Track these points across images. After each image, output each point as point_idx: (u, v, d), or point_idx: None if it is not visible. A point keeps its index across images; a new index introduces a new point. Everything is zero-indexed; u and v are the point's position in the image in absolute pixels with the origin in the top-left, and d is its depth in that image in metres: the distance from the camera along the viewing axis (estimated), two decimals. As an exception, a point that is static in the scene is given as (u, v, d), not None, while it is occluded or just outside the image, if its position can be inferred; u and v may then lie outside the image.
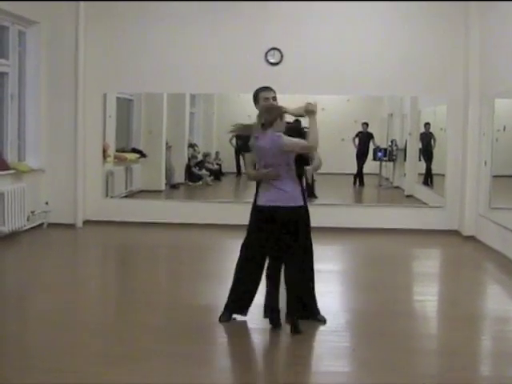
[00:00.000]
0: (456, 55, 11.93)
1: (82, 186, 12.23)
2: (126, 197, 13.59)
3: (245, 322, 6.46)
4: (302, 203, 6.24)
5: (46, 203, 11.99)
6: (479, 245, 11.05)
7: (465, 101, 11.82)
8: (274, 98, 6.54)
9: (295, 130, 6.53)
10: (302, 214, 6.27)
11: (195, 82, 12.29)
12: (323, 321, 6.49)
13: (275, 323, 6.20)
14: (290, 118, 6.60)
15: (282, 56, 12.15)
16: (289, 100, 13.21)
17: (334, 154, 14.56)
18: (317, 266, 9.60)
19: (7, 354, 5.77)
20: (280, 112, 6.22)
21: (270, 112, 6.23)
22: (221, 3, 12.06)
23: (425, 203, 13.28)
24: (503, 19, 10.43)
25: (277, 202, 6.09)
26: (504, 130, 10.94)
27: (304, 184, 6.55)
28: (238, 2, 12.07)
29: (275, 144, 6.06)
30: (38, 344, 5.98)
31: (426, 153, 13.90)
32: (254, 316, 6.56)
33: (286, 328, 6.23)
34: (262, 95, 6.53)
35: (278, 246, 6.23)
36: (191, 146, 15.18)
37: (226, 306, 6.44)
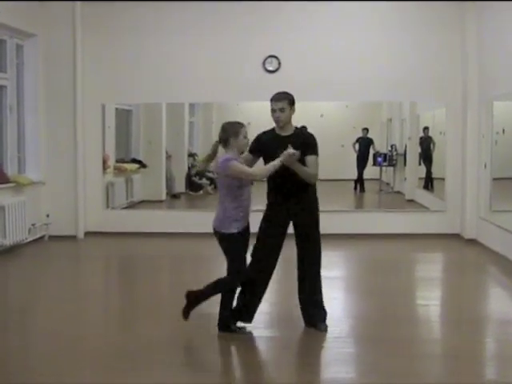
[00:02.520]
0: (454, 59, 11.95)
1: (83, 197, 12.24)
2: (126, 208, 13.58)
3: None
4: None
5: (47, 215, 11.99)
6: (481, 248, 11.04)
7: (463, 104, 11.83)
8: (282, 110, 6.41)
9: (304, 137, 6.52)
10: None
11: (194, 92, 12.30)
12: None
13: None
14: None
15: (279, 63, 12.17)
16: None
17: (333, 160, 14.56)
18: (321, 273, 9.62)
19: (9, 368, 5.75)
20: (235, 130, 6.14)
21: (223, 130, 6.19)
22: (218, 12, 12.10)
23: (426, 207, 13.27)
24: (500, 22, 10.44)
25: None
26: (503, 132, 10.94)
27: None
28: (234, 9, 12.10)
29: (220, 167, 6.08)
30: (40, 357, 5.96)
31: (426, 157, 13.89)
32: (258, 324, 6.56)
33: (291, 336, 6.23)
34: (271, 106, 6.47)
35: None
36: (191, 155, 15.16)
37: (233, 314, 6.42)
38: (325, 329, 6.47)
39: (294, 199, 6.42)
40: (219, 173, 6.12)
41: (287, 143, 6.14)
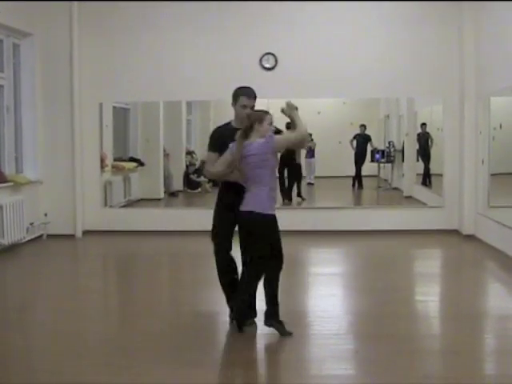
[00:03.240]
0: (450, 55, 11.95)
1: (81, 196, 12.24)
2: (124, 206, 13.57)
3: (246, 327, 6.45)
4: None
5: (45, 214, 11.99)
6: (479, 243, 11.06)
7: (460, 100, 11.84)
8: (253, 107, 6.33)
9: None
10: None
11: (191, 89, 12.30)
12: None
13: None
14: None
15: (276, 61, 12.17)
16: (284, 104, 13.29)
17: (331, 157, 14.61)
18: (318, 270, 9.66)
19: (9, 365, 5.75)
20: (259, 116, 6.16)
21: (248, 117, 6.18)
22: (215, 10, 12.10)
23: (424, 203, 13.29)
24: (497, 19, 10.45)
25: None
26: (500, 127, 10.94)
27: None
28: (230, 7, 12.11)
29: (263, 148, 6.06)
30: (40, 355, 5.96)
31: (424, 153, 13.89)
32: (258, 321, 6.56)
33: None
34: (242, 101, 6.35)
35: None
36: (189, 153, 15.17)
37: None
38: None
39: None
40: (264, 153, 6.05)
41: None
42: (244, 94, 6.37)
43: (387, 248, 11.13)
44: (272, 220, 6.14)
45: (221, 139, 6.35)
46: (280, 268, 6.25)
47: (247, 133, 6.10)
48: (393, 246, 11.23)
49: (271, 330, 6.26)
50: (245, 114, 6.24)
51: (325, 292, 8.17)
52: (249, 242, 6.17)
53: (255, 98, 6.40)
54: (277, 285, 6.25)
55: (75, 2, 11.96)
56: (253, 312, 6.43)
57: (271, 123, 6.19)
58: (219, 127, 6.56)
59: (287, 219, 12.06)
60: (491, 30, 10.76)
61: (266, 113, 6.22)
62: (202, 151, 15.87)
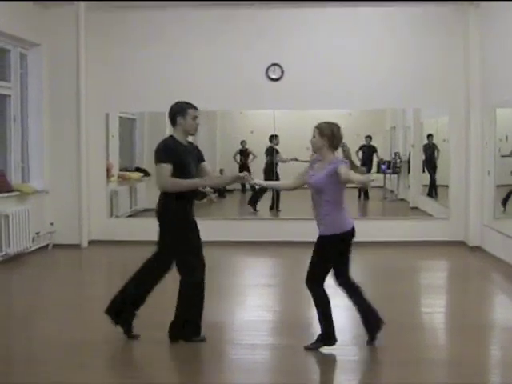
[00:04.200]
0: (456, 66, 11.96)
1: (87, 206, 12.26)
2: (130, 216, 13.58)
3: (250, 339, 6.44)
4: None
5: (51, 224, 12.02)
6: (485, 255, 11.03)
7: (466, 111, 11.84)
8: (195, 118, 6.45)
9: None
10: None
11: (197, 100, 12.01)
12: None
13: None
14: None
15: (282, 72, 12.20)
16: (290, 115, 13.38)
17: (336, 168, 14.55)
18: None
19: (13, 375, 5.75)
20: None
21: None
22: (222, 21, 12.15)
23: (430, 215, 13.27)
24: (503, 30, 10.46)
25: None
26: (506, 139, 10.94)
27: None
28: (236, 18, 12.16)
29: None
30: (44, 364, 5.96)
31: (430, 164, 13.88)
32: (261, 332, 6.56)
33: (294, 344, 6.22)
34: (192, 113, 6.44)
35: None
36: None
37: None
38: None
39: None
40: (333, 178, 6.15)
41: (192, 151, 6.46)
42: (191, 107, 6.50)
43: (393, 259, 11.11)
44: None
45: (173, 152, 6.40)
46: None
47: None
48: (399, 258, 11.21)
49: (275, 341, 6.25)
50: (195, 127, 6.46)
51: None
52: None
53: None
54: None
55: (82, 13, 12.00)
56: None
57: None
58: (166, 141, 6.60)
59: (293, 230, 12.17)
60: (497, 42, 10.77)
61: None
62: (207, 161, 15.89)
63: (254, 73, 12.19)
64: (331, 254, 6.22)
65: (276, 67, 12.22)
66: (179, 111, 6.47)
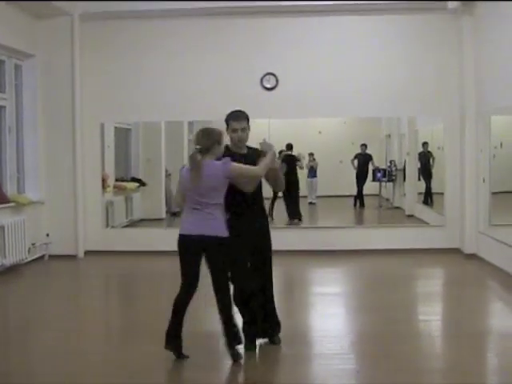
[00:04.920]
0: (451, 74, 11.99)
1: (83, 216, 12.25)
2: (126, 226, 13.58)
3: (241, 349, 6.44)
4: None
5: (47, 235, 12.00)
6: (481, 262, 11.04)
7: (461, 119, 11.87)
8: (244, 130, 6.31)
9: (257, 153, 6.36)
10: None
11: (192, 110, 12.32)
12: None
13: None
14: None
15: (277, 81, 12.22)
16: (285, 124, 13.37)
17: (332, 176, 14.62)
18: (319, 289, 9.65)
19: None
20: (218, 138, 6.09)
21: (208, 136, 6.09)
22: (216, 31, 12.18)
23: (426, 222, 13.28)
24: (497, 38, 10.49)
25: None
26: (501, 146, 10.96)
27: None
28: (232, 27, 12.19)
29: (219, 171, 5.95)
30: (42, 375, 5.95)
31: (425, 172, 13.90)
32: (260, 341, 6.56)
33: (292, 353, 6.21)
34: (231, 125, 6.34)
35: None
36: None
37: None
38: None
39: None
40: (216, 176, 5.94)
41: (248, 162, 6.18)
42: (232, 119, 6.36)
43: (389, 267, 11.12)
44: None
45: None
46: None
47: (206, 152, 6.02)
48: (394, 266, 11.22)
49: (273, 349, 6.25)
50: (237, 138, 6.31)
51: (326, 312, 8.16)
52: None
53: (246, 119, 6.37)
54: None
55: (77, 24, 12.03)
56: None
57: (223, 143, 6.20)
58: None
59: (289, 239, 12.17)
60: (491, 50, 10.80)
61: (222, 133, 6.19)
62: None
63: (249, 82, 12.21)
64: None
65: (271, 76, 12.24)
66: (225, 122, 6.46)
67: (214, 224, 5.98)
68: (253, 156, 6.28)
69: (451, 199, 12.16)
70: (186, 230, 6.03)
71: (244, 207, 6.27)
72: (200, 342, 6.61)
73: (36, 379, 5.88)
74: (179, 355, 6.07)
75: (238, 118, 6.34)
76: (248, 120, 6.37)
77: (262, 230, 6.44)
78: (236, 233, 6.11)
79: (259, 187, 6.34)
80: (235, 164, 5.99)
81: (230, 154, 6.23)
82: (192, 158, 5.97)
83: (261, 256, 6.38)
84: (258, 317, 6.35)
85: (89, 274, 11.26)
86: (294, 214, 13.80)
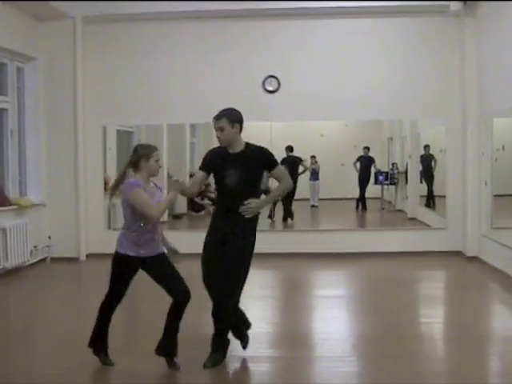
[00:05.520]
0: (453, 77, 11.99)
1: (84, 219, 12.26)
2: (128, 229, 13.55)
3: (249, 351, 6.43)
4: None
5: (49, 237, 12.00)
6: (483, 265, 11.03)
7: (463, 121, 11.87)
8: (221, 129, 6.12)
9: (256, 153, 6.20)
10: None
11: (194, 112, 12.32)
12: None
13: None
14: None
15: (279, 84, 12.23)
16: (287, 126, 13.37)
17: (334, 179, 14.62)
18: (321, 292, 9.64)
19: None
20: (146, 152, 6.00)
21: (134, 151, 6.03)
22: (218, 33, 12.18)
23: (428, 225, 13.26)
24: (499, 40, 10.49)
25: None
26: (503, 149, 10.95)
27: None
28: (233, 30, 12.20)
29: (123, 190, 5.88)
30: (42, 377, 5.94)
31: (427, 175, 13.90)
32: (260, 344, 6.55)
33: (293, 356, 6.21)
34: (213, 125, 6.25)
35: None
36: (192, 175, 15.18)
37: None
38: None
39: None
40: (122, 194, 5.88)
41: (236, 160, 6.07)
42: (213, 118, 6.27)
43: (391, 270, 11.11)
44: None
45: (207, 159, 6.36)
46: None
47: (134, 168, 5.97)
48: (396, 268, 11.21)
49: (273, 353, 6.25)
50: (216, 137, 6.22)
51: (328, 314, 8.15)
52: None
53: (226, 117, 6.19)
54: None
55: (79, 27, 12.04)
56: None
57: (158, 160, 6.07)
58: (214, 148, 6.42)
59: (291, 241, 12.18)
60: (493, 52, 10.80)
61: (154, 149, 6.07)
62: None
63: (251, 85, 12.21)
64: None
65: (273, 79, 12.25)
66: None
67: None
68: (251, 155, 6.11)
69: (453, 202, 12.16)
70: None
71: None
72: (202, 343, 6.60)
73: (37, 379, 5.89)
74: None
75: (216, 118, 6.23)
76: (229, 119, 6.16)
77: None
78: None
79: (250, 189, 6.20)
80: (137, 192, 5.82)
81: (223, 152, 6.20)
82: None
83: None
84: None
85: (91, 277, 11.26)
86: (288, 215, 13.86)
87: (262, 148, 6.24)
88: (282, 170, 6.33)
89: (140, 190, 5.80)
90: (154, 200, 5.90)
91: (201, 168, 6.32)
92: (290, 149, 13.69)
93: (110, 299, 6.19)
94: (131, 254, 6.00)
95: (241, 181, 6.04)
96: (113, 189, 5.99)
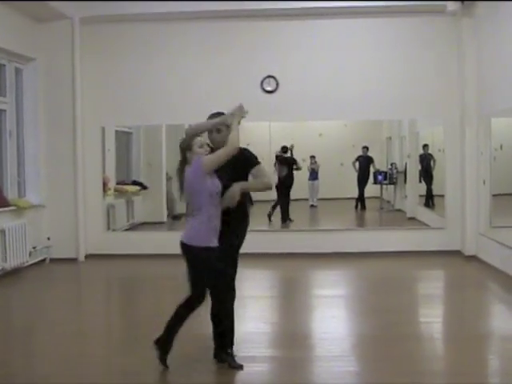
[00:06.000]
0: (451, 76, 12.00)
1: (83, 220, 12.26)
2: (127, 229, 13.59)
3: (248, 351, 6.43)
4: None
5: (48, 238, 12.01)
6: (481, 264, 11.04)
7: (461, 121, 11.87)
8: (219, 130, 6.07)
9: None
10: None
11: (193, 113, 12.23)
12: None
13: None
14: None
15: (277, 84, 12.23)
16: (286, 126, 13.38)
17: (333, 178, 14.63)
18: (321, 292, 9.64)
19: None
20: (187, 144, 5.94)
21: (180, 150, 5.98)
22: (216, 34, 12.19)
23: (426, 225, 13.27)
24: (497, 40, 10.49)
25: None
26: (501, 148, 10.96)
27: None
28: (232, 30, 12.21)
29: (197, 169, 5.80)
30: (41, 378, 5.94)
31: (426, 174, 13.91)
32: (259, 344, 6.55)
33: (292, 355, 6.21)
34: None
35: None
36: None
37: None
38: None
39: None
40: (198, 177, 5.77)
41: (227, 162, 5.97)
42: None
43: (390, 269, 11.11)
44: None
45: None
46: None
47: (183, 165, 5.93)
48: (395, 268, 11.21)
49: (273, 353, 6.25)
50: (211, 139, 6.17)
51: (327, 314, 8.15)
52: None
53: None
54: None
55: (77, 27, 12.05)
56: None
57: (202, 145, 5.95)
58: None
59: (290, 241, 12.19)
60: (491, 52, 10.81)
61: (192, 138, 5.98)
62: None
63: (249, 85, 12.22)
64: None
65: (271, 79, 12.25)
66: None
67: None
68: (235, 156, 5.94)
69: (452, 201, 12.17)
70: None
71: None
72: (201, 346, 6.60)
73: (38, 380, 5.89)
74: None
75: (210, 118, 6.28)
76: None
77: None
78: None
79: None
80: (206, 157, 5.80)
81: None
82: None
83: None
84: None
85: (90, 278, 11.25)
86: (286, 217, 13.88)
87: (242, 148, 6.11)
88: (262, 169, 6.20)
89: (205, 157, 5.77)
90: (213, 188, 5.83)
91: None
92: (284, 149, 13.69)
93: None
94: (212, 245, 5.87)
95: (231, 181, 6.00)
96: (179, 172, 5.93)
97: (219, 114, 6.21)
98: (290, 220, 13.86)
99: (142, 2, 11.83)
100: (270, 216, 13.87)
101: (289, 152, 13.84)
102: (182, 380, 5.82)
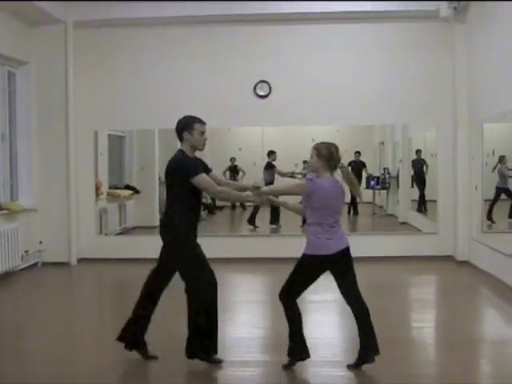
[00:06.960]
0: (443, 82, 12.04)
1: (76, 224, 12.25)
2: (120, 234, 13.57)
3: (240, 356, 6.42)
4: None
5: (40, 242, 11.99)
6: (473, 269, 11.06)
7: (453, 126, 11.91)
8: (203, 133, 6.31)
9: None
10: None
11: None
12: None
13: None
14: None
15: (270, 88, 12.25)
16: (278, 131, 13.38)
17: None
18: (313, 297, 9.62)
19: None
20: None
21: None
22: (209, 38, 12.21)
23: (419, 230, 13.28)
24: (489, 45, 10.53)
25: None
26: (493, 154, 11.00)
27: None
28: (225, 35, 12.23)
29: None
30: (34, 378, 5.93)
31: (419, 179, 13.93)
32: (251, 349, 6.55)
33: (284, 360, 6.21)
34: (200, 128, 6.31)
35: None
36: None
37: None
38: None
39: None
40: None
41: (200, 164, 6.25)
42: (198, 121, 6.34)
43: (382, 274, 11.12)
44: None
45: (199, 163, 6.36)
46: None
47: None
48: (387, 273, 11.22)
49: (264, 358, 6.24)
50: (203, 142, 6.30)
51: (319, 319, 8.15)
52: None
53: None
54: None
55: (71, 31, 12.04)
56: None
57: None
58: (187, 154, 6.34)
59: (283, 246, 12.18)
60: (483, 57, 10.85)
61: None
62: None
63: (242, 90, 12.24)
64: (307, 273, 6.14)
65: (264, 84, 12.27)
66: (185, 126, 6.30)
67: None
68: (200, 163, 6.30)
69: (444, 206, 12.19)
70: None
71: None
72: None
73: (29, 379, 5.90)
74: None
75: (202, 121, 6.35)
76: None
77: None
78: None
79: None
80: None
81: (194, 158, 6.28)
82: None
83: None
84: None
85: (82, 282, 11.24)
86: (275, 220, 13.82)
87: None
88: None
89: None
90: None
91: (200, 172, 6.18)
92: (269, 154, 13.56)
93: None
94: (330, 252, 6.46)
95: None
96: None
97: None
98: (279, 225, 13.83)
99: (135, 6, 11.83)
100: (252, 222, 13.74)
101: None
102: (173, 381, 5.82)
